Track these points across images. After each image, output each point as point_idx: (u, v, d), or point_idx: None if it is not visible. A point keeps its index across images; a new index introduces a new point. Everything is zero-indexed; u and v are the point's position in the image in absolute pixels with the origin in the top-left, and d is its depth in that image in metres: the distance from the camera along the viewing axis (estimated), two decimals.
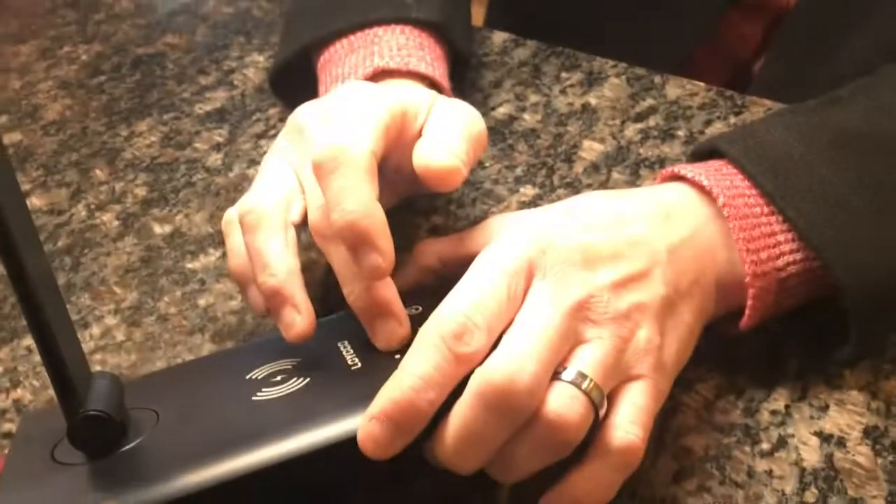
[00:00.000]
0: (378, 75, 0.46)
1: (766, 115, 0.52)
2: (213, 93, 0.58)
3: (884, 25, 0.53)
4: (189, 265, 0.47)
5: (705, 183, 0.39)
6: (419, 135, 0.39)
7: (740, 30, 0.62)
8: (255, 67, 0.59)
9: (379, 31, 0.48)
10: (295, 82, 0.51)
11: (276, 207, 0.38)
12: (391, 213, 0.47)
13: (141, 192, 0.52)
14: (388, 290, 0.36)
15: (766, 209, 0.38)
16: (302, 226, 0.38)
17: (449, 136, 0.38)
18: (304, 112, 0.40)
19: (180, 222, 0.50)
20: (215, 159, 0.53)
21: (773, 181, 0.38)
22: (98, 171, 0.54)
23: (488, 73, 0.57)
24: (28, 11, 0.68)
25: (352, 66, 0.47)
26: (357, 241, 0.34)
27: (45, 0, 0.68)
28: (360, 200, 0.34)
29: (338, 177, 0.34)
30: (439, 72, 0.48)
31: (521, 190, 0.49)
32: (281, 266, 0.36)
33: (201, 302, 0.45)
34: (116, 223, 0.50)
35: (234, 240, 0.39)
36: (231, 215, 0.40)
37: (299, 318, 0.36)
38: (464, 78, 0.55)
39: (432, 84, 0.47)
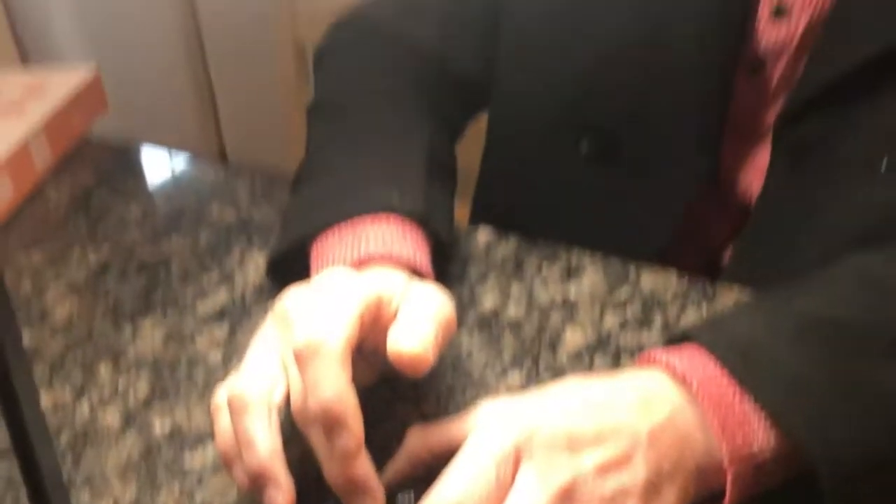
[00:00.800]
0: (364, 262, 0.50)
1: (735, 304, 0.55)
2: (214, 293, 0.61)
3: (842, 217, 0.58)
4: (187, 460, 0.49)
5: (679, 369, 0.41)
6: (394, 318, 0.43)
7: (708, 223, 0.67)
8: (255, 268, 0.63)
9: (366, 222, 0.53)
10: (292, 272, 0.55)
11: (261, 392, 0.42)
12: (381, 402, 0.50)
13: (143, 389, 0.54)
14: (362, 468, 0.38)
15: (738, 394, 0.40)
16: (284, 409, 0.42)
17: (419, 322, 0.42)
18: (289, 300, 0.45)
19: (180, 419, 0.52)
20: (215, 356, 0.56)
21: (743, 368, 0.41)
22: (102, 370, 0.56)
23: (474, 267, 0.61)
24: (42, 218, 0.72)
25: (341, 255, 0.51)
26: (330, 425, 0.38)
27: (60, 208, 0.73)
28: (333, 388, 0.38)
29: (314, 366, 0.39)
30: (420, 257, 0.52)
31: (509, 378, 0.52)
32: (264, 447, 0.40)
33: (198, 497, 0.46)
34: (118, 420, 0.52)
35: (222, 422, 0.43)
36: (220, 399, 0.44)
37: (281, 496, 0.39)
38: (447, 265, 0.59)
39: (414, 269, 0.51)
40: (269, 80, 1.83)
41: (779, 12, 0.56)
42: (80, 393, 0.55)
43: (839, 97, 0.55)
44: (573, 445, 0.37)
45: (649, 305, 0.56)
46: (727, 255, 0.68)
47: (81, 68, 0.83)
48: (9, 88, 0.81)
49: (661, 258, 0.61)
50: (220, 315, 0.59)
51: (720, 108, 0.59)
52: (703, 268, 0.67)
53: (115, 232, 0.69)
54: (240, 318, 0.59)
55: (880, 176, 0.54)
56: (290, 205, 0.61)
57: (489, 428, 0.38)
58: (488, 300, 0.58)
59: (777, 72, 0.59)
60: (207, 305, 0.60)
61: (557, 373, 0.52)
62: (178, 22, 2.06)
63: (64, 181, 0.77)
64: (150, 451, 0.50)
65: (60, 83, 0.81)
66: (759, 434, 0.40)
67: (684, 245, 0.65)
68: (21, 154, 0.73)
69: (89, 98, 0.82)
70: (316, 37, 0.77)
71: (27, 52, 2.20)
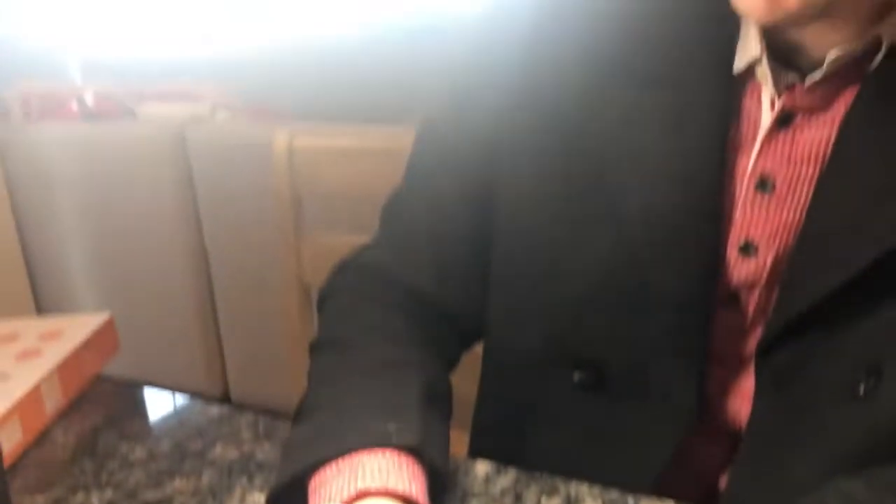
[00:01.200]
0: (360, 496, 0.52)
1: None
2: None
3: (828, 443, 0.59)
4: None
5: None
6: None
7: (703, 452, 0.68)
8: None
9: (363, 455, 0.55)
10: None
11: None
12: None
13: None
14: None
15: None
16: None
17: None
18: None
19: None
20: None
21: None
22: None
23: (473, 501, 0.61)
24: (48, 461, 0.74)
25: (338, 488, 0.53)
26: None
27: (67, 449, 0.74)
28: None
29: None
30: (416, 489, 0.53)
31: None
32: None
33: None
34: None
35: None
36: None
37: None
38: (446, 498, 0.60)
39: (410, 502, 0.52)
40: (274, 322, 1.88)
41: (746, 250, 0.61)
42: None
43: (813, 324, 0.58)
44: None
45: None
46: (723, 479, 0.68)
47: (95, 316, 0.88)
48: (26, 335, 0.85)
49: (658, 484, 0.62)
50: None
51: (700, 340, 0.63)
52: (701, 493, 0.68)
53: (120, 473, 0.70)
54: None
55: (860, 400, 0.56)
56: (290, 439, 0.63)
57: None
58: None
59: (751, 304, 0.63)
60: None
61: None
62: (188, 267, 2.16)
63: (73, 421, 0.78)
64: None
65: (75, 329, 0.85)
66: None
67: (679, 471, 0.66)
68: (32, 397, 0.75)
69: (102, 342, 0.86)
70: (319, 279, 0.82)
71: (43, 302, 2.28)
